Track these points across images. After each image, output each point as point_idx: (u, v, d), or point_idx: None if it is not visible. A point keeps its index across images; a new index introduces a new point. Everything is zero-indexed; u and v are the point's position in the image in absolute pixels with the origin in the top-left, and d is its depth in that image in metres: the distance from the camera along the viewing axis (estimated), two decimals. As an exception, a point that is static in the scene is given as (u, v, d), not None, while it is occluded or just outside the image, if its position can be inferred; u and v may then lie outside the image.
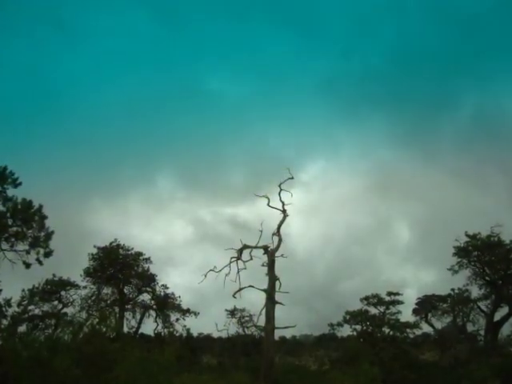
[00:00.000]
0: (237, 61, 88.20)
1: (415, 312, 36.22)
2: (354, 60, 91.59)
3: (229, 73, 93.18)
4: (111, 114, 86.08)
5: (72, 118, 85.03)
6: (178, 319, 33.82)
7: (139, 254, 33.46)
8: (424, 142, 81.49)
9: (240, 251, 22.17)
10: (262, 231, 22.61)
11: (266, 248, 22.49)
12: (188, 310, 34.11)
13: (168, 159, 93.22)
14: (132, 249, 33.37)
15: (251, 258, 22.44)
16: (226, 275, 21.61)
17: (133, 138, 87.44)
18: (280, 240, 22.93)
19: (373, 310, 35.91)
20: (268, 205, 23.95)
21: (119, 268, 32.48)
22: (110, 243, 32.88)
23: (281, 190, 23.85)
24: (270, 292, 21.33)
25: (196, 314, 34.20)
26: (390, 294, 35.73)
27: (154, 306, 33.86)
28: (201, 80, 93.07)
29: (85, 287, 31.76)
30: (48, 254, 20.70)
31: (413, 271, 59.60)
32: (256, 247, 22.54)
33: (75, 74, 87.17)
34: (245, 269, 22.03)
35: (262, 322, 22.36)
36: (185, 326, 33.96)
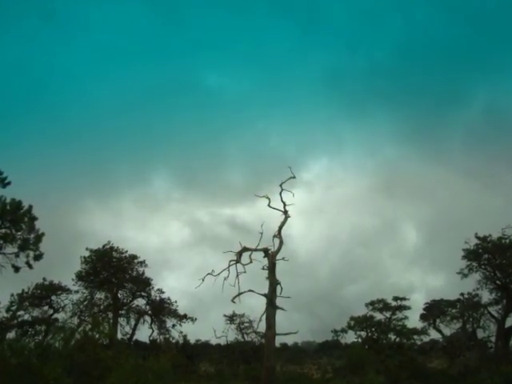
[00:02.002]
0: (236, 54, 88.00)
1: (423, 318, 36.25)
2: (359, 54, 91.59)
3: (228, 67, 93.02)
4: (105, 111, 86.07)
5: (64, 114, 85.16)
6: (174, 325, 33.87)
7: (134, 256, 33.47)
8: (432, 140, 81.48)
9: (239, 254, 22.16)
10: (262, 233, 22.57)
11: (266, 250, 22.49)
12: (185, 316, 34.14)
13: (164, 158, 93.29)
14: (126, 251, 33.40)
15: (251, 261, 22.42)
16: (225, 279, 21.60)
17: (127, 135, 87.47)
18: (281, 242, 22.92)
19: (378, 316, 36.01)
20: (268, 205, 23.95)
21: (113, 272, 32.49)
22: (104, 245, 32.90)
23: (282, 189, 23.84)
24: (271, 297, 21.32)
25: (193, 319, 34.25)
26: (396, 298, 35.79)
27: (150, 312, 33.88)
28: (198, 75, 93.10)
29: (77, 292, 31.82)
30: (38, 257, 20.69)
31: (420, 275, 59.69)
32: (256, 250, 22.53)
33: (67, 68, 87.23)
34: (244, 272, 22.01)
35: (262, 328, 22.36)
36: (181, 332, 34.02)
